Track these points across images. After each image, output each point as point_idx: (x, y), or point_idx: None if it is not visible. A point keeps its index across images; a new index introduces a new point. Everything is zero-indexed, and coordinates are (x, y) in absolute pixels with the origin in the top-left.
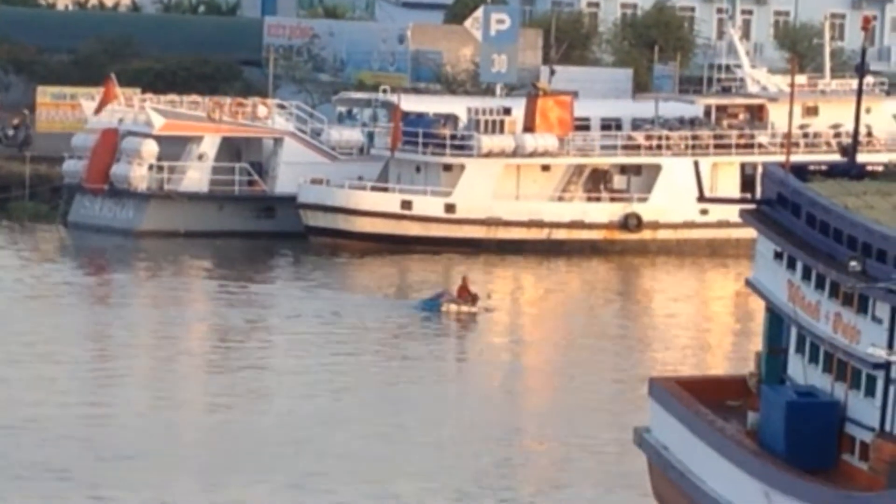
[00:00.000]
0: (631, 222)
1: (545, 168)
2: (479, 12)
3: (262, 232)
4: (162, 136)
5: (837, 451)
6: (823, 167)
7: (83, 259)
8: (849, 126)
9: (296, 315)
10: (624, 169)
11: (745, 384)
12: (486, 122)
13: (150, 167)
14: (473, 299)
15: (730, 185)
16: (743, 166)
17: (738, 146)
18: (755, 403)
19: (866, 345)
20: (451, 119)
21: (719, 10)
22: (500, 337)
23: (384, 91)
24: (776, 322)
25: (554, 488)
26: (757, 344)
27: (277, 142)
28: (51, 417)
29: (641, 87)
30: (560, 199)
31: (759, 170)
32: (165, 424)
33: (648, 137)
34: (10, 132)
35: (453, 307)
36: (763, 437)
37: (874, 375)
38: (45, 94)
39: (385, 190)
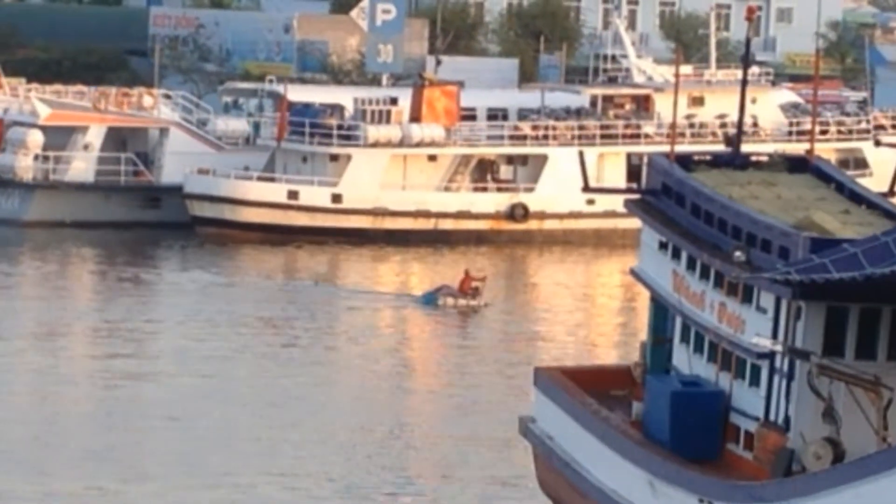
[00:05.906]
0: (517, 212)
1: (432, 158)
2: (365, 2)
3: (149, 222)
4: (47, 126)
5: (722, 441)
6: (708, 157)
7: None
8: (734, 116)
9: (184, 308)
10: (510, 159)
11: (630, 374)
12: (373, 112)
13: (36, 157)
14: (475, 293)
15: (616, 175)
16: (629, 156)
17: (624, 136)
18: (640, 393)
19: (751, 335)
20: (338, 109)
21: (605, 0)
22: (387, 330)
23: (270, 81)
24: (661, 312)
25: (442, 479)
26: (642, 334)
27: (163, 132)
28: None
29: (527, 77)
30: (447, 189)
31: (645, 160)
32: (45, 417)
33: (535, 128)
34: None
35: (450, 300)
36: (648, 427)
37: (758, 365)
38: None
39: (271, 180)
